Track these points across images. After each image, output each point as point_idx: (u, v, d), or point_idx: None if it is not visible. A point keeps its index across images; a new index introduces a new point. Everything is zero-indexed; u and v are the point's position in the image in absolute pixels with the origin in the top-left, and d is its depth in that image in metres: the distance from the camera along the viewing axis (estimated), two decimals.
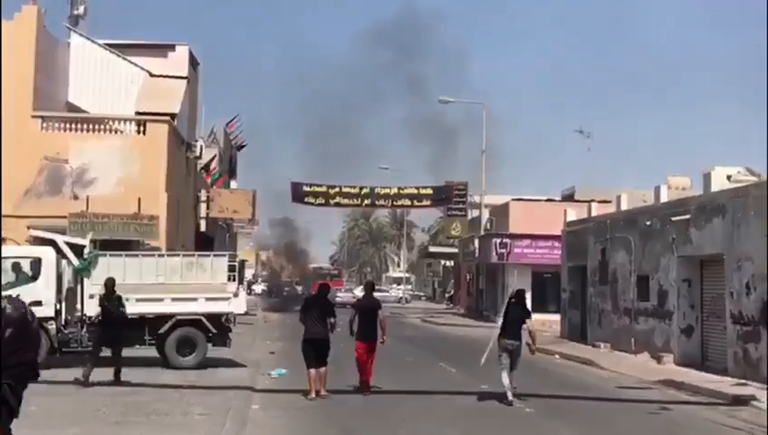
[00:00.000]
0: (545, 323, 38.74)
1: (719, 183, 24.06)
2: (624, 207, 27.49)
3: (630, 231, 25.60)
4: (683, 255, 22.39)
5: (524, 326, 15.27)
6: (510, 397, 14.18)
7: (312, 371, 14.46)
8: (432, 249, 65.54)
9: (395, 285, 75.84)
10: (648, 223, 24.34)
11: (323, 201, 42.67)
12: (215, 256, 20.37)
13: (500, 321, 15.44)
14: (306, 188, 42.34)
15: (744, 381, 18.06)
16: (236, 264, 20.67)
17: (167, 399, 13.71)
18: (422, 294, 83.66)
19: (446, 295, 65.21)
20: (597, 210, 30.31)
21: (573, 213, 32.75)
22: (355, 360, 15.32)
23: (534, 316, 42.19)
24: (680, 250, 22.44)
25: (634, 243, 25.29)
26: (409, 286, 75.16)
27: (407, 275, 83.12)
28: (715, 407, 15.52)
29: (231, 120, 49.27)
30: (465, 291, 53.61)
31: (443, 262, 71.86)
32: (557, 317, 38.93)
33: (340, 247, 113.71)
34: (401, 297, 65.71)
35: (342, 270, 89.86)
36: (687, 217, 21.93)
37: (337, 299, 63.52)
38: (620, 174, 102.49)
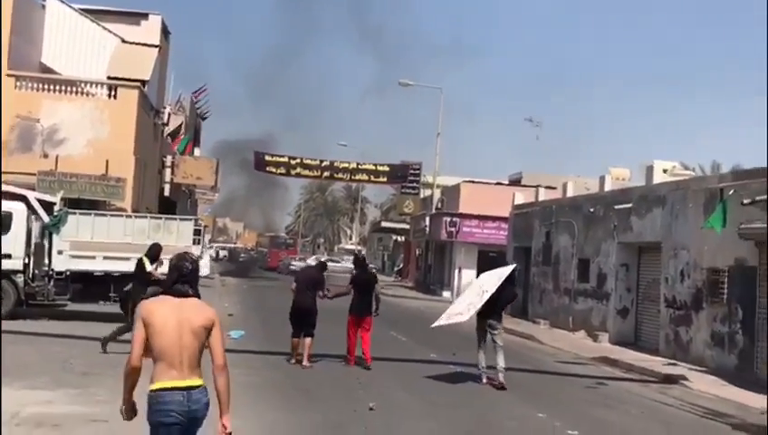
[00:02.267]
0: None
1: (659, 176, 24.44)
2: (570, 193, 27.83)
3: (575, 216, 25.95)
4: (623, 241, 22.79)
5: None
6: (484, 379, 13.48)
7: (296, 339, 14.17)
8: (384, 224, 65.60)
9: (346, 257, 75.79)
10: (591, 210, 24.69)
11: (284, 171, 42.65)
12: (181, 219, 20.20)
13: (477, 299, 13.98)
14: (269, 158, 42.21)
15: (674, 361, 18.51)
16: (201, 228, 20.50)
17: None
18: (372, 266, 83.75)
19: (396, 269, 65.40)
20: (544, 195, 30.65)
21: (521, 197, 33.07)
22: (346, 332, 14.64)
23: None
24: (621, 237, 22.83)
25: (577, 228, 25.65)
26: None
27: (358, 248, 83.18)
28: (647, 384, 15.89)
29: (198, 90, 48.69)
30: (415, 265, 53.88)
31: (394, 237, 72.04)
32: None
33: (295, 218, 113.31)
34: (352, 268, 65.67)
35: (297, 240, 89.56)
36: (629, 205, 22.30)
37: (291, 268, 63.51)
38: (565, 162, 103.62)
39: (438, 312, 31.40)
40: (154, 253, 14.49)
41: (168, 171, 37.15)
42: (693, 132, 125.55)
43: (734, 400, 14.17)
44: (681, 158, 56.03)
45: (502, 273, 14.19)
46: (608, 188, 25.11)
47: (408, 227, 55.24)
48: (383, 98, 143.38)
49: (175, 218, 20.26)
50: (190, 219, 20.04)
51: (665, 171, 39.51)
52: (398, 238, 68.17)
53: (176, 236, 18.88)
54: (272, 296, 34.39)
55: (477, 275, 42.60)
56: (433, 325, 15.01)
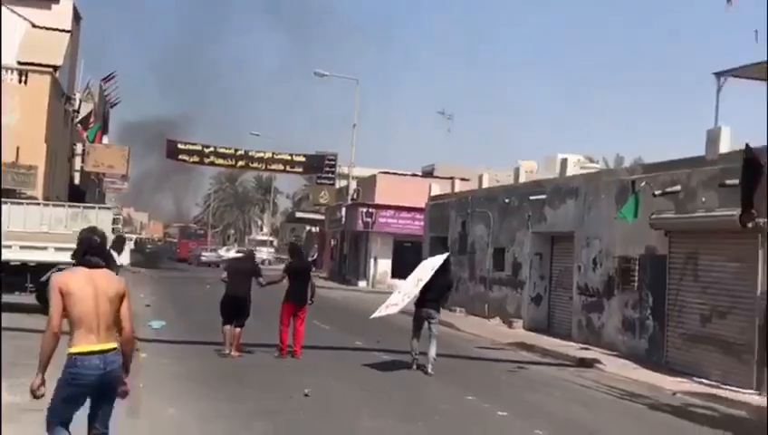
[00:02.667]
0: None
1: (572, 169, 25.18)
2: (485, 185, 28.37)
3: (490, 207, 26.47)
4: (537, 231, 23.39)
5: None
6: (414, 366, 13.57)
7: (227, 327, 13.84)
8: (299, 214, 65.32)
9: (259, 247, 75.18)
10: (507, 200, 25.23)
11: (198, 159, 41.78)
12: (100, 208, 19.73)
13: (415, 288, 14.04)
14: (181, 146, 41.37)
15: (587, 345, 19.16)
16: (120, 217, 20.07)
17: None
18: (285, 256, 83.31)
19: (310, 259, 65.25)
20: (459, 187, 31.14)
21: (437, 188, 33.51)
22: (279, 322, 14.30)
23: (395, 281, 42.92)
24: (535, 227, 23.43)
25: (493, 218, 26.18)
26: (272, 249, 74.77)
27: (271, 238, 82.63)
28: (564, 368, 16.42)
29: (107, 77, 47.35)
30: (329, 255, 53.89)
31: (307, 227, 71.83)
32: None
33: (204, 208, 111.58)
34: (264, 259, 65.24)
35: (207, 230, 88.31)
36: (543, 196, 22.90)
37: (202, 259, 62.61)
38: (475, 155, 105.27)
39: (355, 301, 31.74)
40: (120, 246, 14.07)
41: (78, 159, 36.10)
42: (593, 125, 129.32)
43: (647, 381, 14.77)
44: (584, 150, 57.90)
45: (435, 262, 14.41)
46: (522, 180, 25.71)
47: (323, 217, 55.19)
48: (297, 86, 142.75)
49: (93, 207, 19.77)
50: (109, 208, 19.61)
51: (564, 161, 40.19)
52: (312, 229, 68.03)
53: (95, 225, 18.40)
54: (186, 287, 33.95)
55: (393, 265, 43.23)
56: (372, 317, 15.01)
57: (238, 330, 13.90)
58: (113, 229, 18.55)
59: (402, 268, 42.45)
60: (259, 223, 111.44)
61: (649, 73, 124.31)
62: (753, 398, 13.16)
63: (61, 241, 17.80)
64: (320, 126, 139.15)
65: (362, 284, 42.78)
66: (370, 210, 42.10)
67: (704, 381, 14.79)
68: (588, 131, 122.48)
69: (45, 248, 17.71)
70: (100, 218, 18.64)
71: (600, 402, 12.61)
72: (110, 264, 12.77)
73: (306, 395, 10.70)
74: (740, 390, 13.80)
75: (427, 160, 52.62)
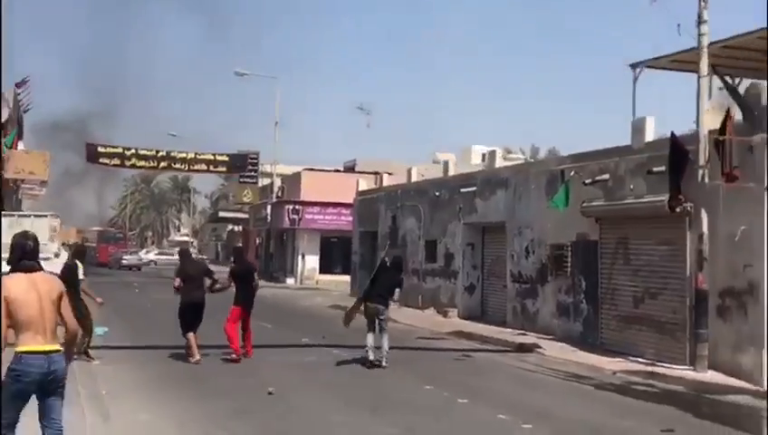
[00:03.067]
0: (332, 282, 39.87)
1: (477, 159, 25.62)
2: (414, 179, 28.74)
3: (420, 200, 26.86)
4: (468, 222, 23.88)
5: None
6: (371, 357, 13.57)
7: (191, 334, 13.56)
8: (222, 214, 64.62)
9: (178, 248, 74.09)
10: (437, 193, 25.65)
11: (119, 162, 41.09)
12: (35, 215, 19.29)
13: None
14: (101, 149, 40.56)
15: (523, 331, 19.71)
16: (57, 224, 19.65)
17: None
18: (205, 257, 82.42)
19: (232, 259, 64.72)
20: (387, 181, 31.44)
21: (364, 183, 33.75)
22: (227, 327, 13.94)
23: (323, 277, 42.96)
24: (466, 218, 23.91)
25: (423, 211, 26.58)
26: (194, 250, 73.80)
27: (191, 239, 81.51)
28: (505, 353, 16.91)
29: (20, 82, 45.81)
30: (254, 254, 53.57)
31: (229, 226, 71.13)
32: (343, 278, 40.11)
33: (119, 211, 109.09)
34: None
35: (126, 233, 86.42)
36: (474, 189, 23.39)
37: (123, 262, 61.21)
38: (394, 149, 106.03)
39: (287, 298, 31.63)
40: (80, 254, 13.62)
41: None
42: (505, 117, 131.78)
43: (587, 363, 15.34)
44: (500, 142, 59.17)
45: (384, 262, 14.85)
46: (451, 172, 26.19)
47: (246, 216, 54.78)
48: (216, 84, 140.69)
49: (29, 215, 19.31)
50: (46, 215, 19.16)
51: (483, 156, 41.33)
52: (235, 228, 67.39)
53: (26, 229, 17.99)
54: (115, 292, 33.22)
55: (320, 261, 43.17)
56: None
57: (194, 334, 13.81)
58: (51, 237, 18.18)
59: (330, 264, 42.91)
60: (177, 223, 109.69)
61: (566, 65, 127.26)
62: (687, 373, 13.84)
63: None
64: (240, 124, 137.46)
65: (290, 281, 42.76)
66: (297, 207, 42.10)
67: (639, 359, 15.46)
68: (500, 124, 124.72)
69: None
70: (36, 226, 18.21)
71: (549, 385, 13.08)
72: (72, 277, 12.52)
73: (270, 393, 10.80)
74: (674, 366, 14.47)
75: (349, 156, 52.86)
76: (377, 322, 14.03)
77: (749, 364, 13.32)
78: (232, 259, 15.96)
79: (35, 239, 5.92)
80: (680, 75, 19.71)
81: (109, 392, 10.51)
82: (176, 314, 13.84)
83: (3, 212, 20.81)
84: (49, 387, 5.58)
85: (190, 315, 13.64)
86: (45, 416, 5.70)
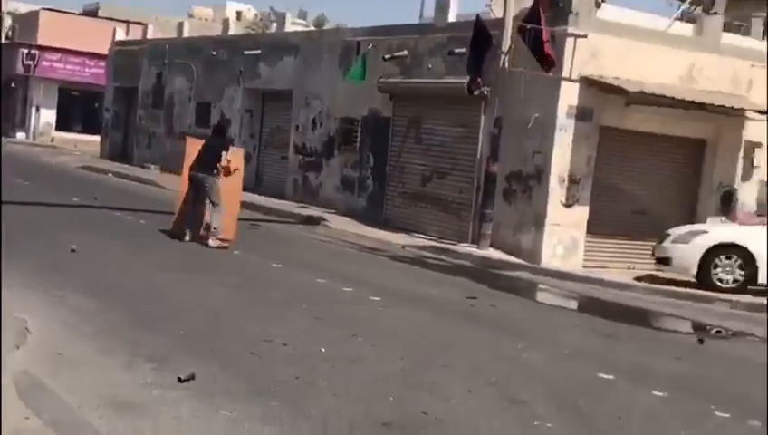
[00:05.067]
0: (71, 141, 38.66)
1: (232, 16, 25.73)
2: (186, 34, 28.40)
3: (193, 59, 26.69)
4: (249, 87, 24.24)
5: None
6: (188, 237, 13.20)
7: None
8: None
9: None
10: (214, 53, 25.63)
11: None
12: None
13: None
14: None
15: (304, 204, 20.84)
16: None
17: None
18: None
19: None
20: (152, 33, 30.71)
21: (122, 33, 32.67)
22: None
23: (60, 134, 41.34)
24: (247, 83, 24.24)
25: (196, 71, 26.51)
26: None
27: None
28: (293, 225, 18.04)
29: None
30: None
31: None
32: (85, 137, 39.02)
33: None
34: None
35: None
36: (258, 51, 23.74)
37: None
38: None
39: (26, 155, 30.32)
40: None
41: None
42: None
43: (374, 237, 16.86)
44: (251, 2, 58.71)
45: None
46: (232, 31, 26.23)
47: None
48: None
49: None
50: None
51: (238, 14, 41.27)
52: None
53: None
54: None
55: (57, 117, 41.50)
56: None
57: None
58: None
59: (69, 120, 41.28)
60: None
61: None
62: (472, 250, 15.73)
63: None
64: None
65: (21, 135, 40.66)
66: (32, 51, 39.69)
67: (422, 236, 17.21)
68: None
69: None
70: None
71: (348, 255, 14.43)
72: None
73: (73, 250, 11.06)
74: (458, 244, 16.37)
75: None
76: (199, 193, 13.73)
77: (528, 243, 15.43)
78: None
79: None
80: None
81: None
82: None
83: None
84: None
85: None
86: None
